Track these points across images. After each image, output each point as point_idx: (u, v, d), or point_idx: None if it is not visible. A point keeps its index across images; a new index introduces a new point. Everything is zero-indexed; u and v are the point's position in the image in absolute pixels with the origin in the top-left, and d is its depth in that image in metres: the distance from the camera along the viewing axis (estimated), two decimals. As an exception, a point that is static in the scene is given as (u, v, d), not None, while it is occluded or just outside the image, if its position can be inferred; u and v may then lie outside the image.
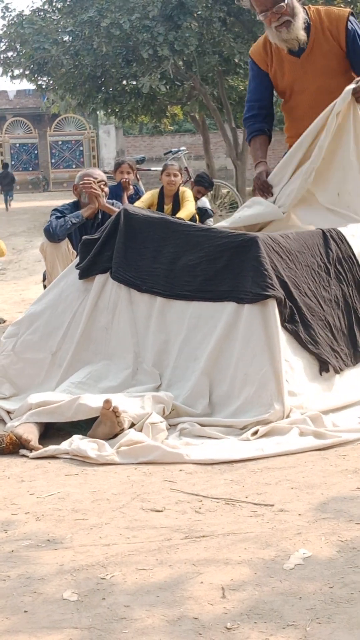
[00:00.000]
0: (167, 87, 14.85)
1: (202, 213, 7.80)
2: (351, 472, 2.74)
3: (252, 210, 4.39)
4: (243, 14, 13.33)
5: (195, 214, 6.73)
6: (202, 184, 8.34)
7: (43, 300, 3.99)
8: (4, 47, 15.15)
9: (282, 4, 4.12)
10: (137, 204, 6.10)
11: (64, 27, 14.37)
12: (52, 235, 4.89)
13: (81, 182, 5.01)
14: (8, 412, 3.57)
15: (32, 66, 14.77)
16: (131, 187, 6.40)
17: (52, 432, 3.35)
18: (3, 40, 15.04)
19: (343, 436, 3.11)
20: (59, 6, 15.30)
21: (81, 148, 28.20)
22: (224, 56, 13.93)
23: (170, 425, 3.29)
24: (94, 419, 3.22)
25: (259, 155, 4.52)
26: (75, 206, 5.08)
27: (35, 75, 15.45)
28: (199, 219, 7.09)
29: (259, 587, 1.93)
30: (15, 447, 3.16)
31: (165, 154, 11.78)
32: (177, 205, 6.37)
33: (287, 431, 3.14)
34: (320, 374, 3.49)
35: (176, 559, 2.11)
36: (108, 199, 5.12)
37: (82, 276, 3.87)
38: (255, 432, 3.15)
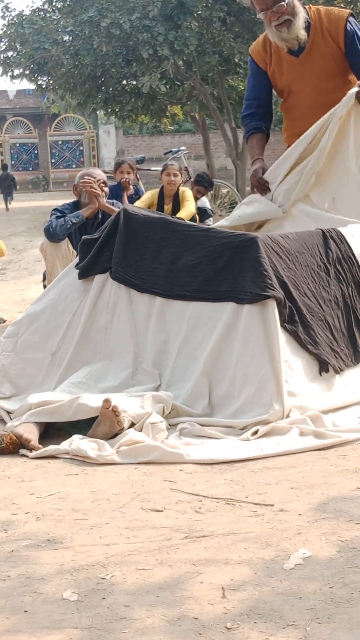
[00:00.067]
0: (167, 87, 14.83)
1: (202, 213, 7.81)
2: (351, 472, 2.74)
3: (252, 208, 4.40)
4: (243, 13, 13.34)
5: (195, 214, 6.73)
6: (202, 183, 8.34)
7: (43, 300, 3.99)
8: (4, 47, 15.14)
9: (283, 3, 4.11)
10: (137, 203, 6.09)
11: (64, 27, 14.36)
12: (52, 235, 4.89)
13: (81, 182, 5.01)
14: (8, 412, 3.58)
15: (32, 66, 14.76)
16: (131, 187, 6.40)
17: (52, 432, 3.35)
18: (3, 40, 15.03)
19: (343, 436, 3.11)
20: (59, 6, 15.30)
21: (81, 148, 28.18)
22: (224, 56, 13.92)
23: (170, 425, 3.29)
24: (93, 419, 3.23)
25: (256, 153, 4.53)
26: (75, 206, 5.08)
27: (35, 75, 15.44)
28: (198, 218, 7.09)
29: (259, 587, 1.93)
30: (15, 447, 3.17)
31: (165, 153, 11.77)
32: (177, 205, 6.37)
33: (287, 431, 3.14)
34: (320, 374, 3.49)
35: (176, 558, 2.11)
36: (108, 198, 5.12)
37: (81, 276, 3.87)
38: (255, 432, 3.15)
